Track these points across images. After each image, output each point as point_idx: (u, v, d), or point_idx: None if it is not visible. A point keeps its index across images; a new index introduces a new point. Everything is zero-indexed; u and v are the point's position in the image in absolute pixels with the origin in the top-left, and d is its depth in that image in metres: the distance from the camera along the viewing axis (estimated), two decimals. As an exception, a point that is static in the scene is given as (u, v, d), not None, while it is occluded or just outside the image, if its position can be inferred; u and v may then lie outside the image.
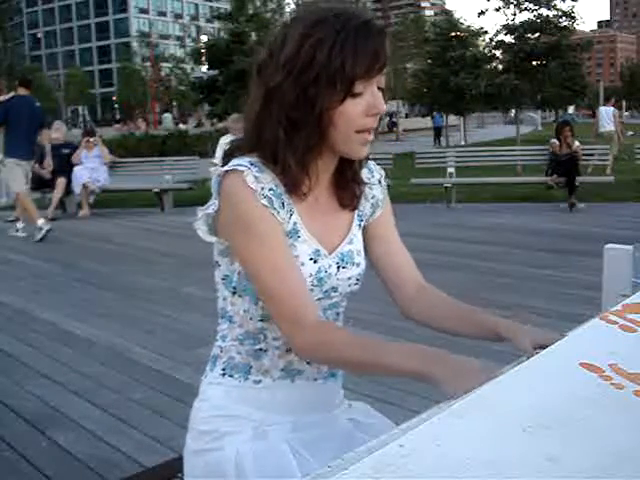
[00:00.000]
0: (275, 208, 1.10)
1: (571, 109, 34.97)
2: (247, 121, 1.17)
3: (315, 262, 1.16)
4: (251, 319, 1.18)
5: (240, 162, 1.11)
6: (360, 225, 1.28)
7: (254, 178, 1.09)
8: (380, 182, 1.32)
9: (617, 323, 1.02)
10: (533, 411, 0.74)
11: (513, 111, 21.83)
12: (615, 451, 0.66)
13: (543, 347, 1.05)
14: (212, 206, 1.13)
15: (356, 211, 1.26)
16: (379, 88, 1.12)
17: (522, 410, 0.75)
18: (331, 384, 1.27)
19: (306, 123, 1.09)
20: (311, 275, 1.15)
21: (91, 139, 10.06)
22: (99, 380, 3.45)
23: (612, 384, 0.81)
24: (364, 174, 1.27)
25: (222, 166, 1.14)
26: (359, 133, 1.11)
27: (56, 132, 10.28)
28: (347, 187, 1.23)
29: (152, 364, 3.65)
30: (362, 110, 1.10)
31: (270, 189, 1.10)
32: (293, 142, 1.11)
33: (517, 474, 0.62)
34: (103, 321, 4.49)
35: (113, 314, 4.67)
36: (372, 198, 1.29)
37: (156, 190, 10.03)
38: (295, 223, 1.15)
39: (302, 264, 1.14)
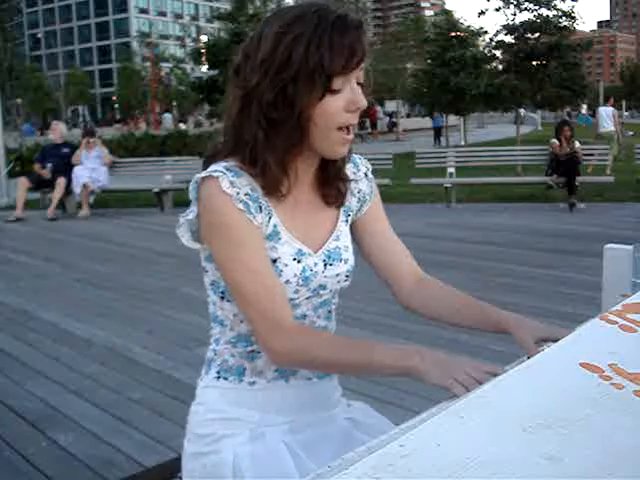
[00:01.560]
0: (252, 212, 1.10)
1: (584, 109, 34.69)
2: (225, 124, 1.16)
3: (299, 262, 1.15)
4: (242, 322, 1.18)
5: (216, 168, 1.10)
6: (347, 221, 1.26)
7: (229, 183, 1.08)
8: (366, 175, 1.30)
9: (617, 323, 1.02)
10: (533, 411, 0.74)
11: (522, 110, 21.73)
12: (615, 451, 0.66)
13: (545, 341, 1.06)
14: (192, 212, 1.13)
15: (342, 207, 1.25)
16: (358, 83, 1.11)
17: (522, 410, 0.75)
18: (326, 383, 1.27)
19: (286, 122, 1.08)
20: (296, 275, 1.15)
21: (91, 139, 10.05)
22: (99, 380, 3.45)
23: (612, 384, 0.80)
24: (349, 169, 1.26)
25: (202, 170, 1.13)
26: (339, 130, 1.11)
27: (53, 132, 10.27)
28: (331, 184, 1.22)
29: (152, 364, 3.65)
30: (342, 106, 1.09)
31: (246, 193, 1.10)
32: (273, 142, 1.10)
33: (517, 474, 0.62)
34: (103, 321, 4.49)
35: (113, 314, 4.67)
36: (358, 192, 1.28)
37: (156, 190, 10.03)
38: (275, 225, 1.14)
39: (285, 265, 1.14)
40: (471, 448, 0.66)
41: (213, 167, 1.11)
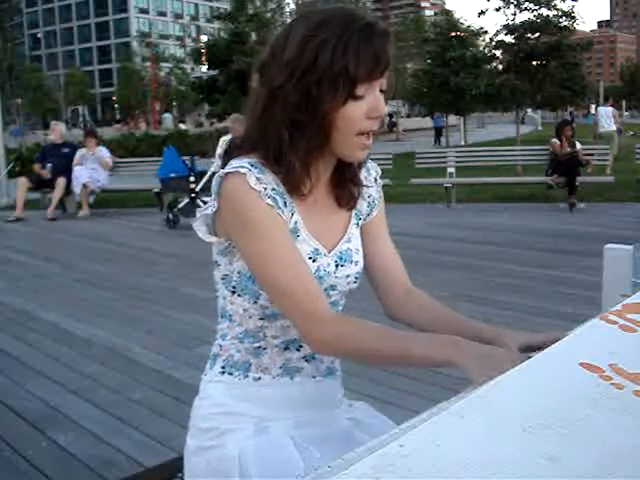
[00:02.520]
0: (280, 207, 1.11)
1: (593, 109, 34.54)
2: (249, 121, 1.17)
3: (314, 261, 1.17)
4: (250, 318, 1.19)
5: (240, 164, 1.10)
6: (358, 224, 1.28)
7: (256, 179, 1.09)
8: (376, 180, 1.32)
9: (617, 323, 1.02)
10: (533, 411, 0.74)
11: (529, 110, 21.65)
12: (615, 451, 0.66)
13: (529, 348, 1.06)
14: (211, 207, 1.13)
15: (354, 210, 1.27)
16: (381, 90, 1.12)
17: (522, 410, 0.75)
18: (330, 382, 1.28)
19: (309, 125, 1.09)
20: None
21: (93, 141, 10.03)
22: (99, 380, 3.45)
23: (612, 384, 0.80)
24: (362, 173, 1.27)
25: (222, 166, 1.14)
26: (359, 136, 1.12)
27: (52, 133, 10.27)
28: (345, 187, 1.23)
29: (152, 364, 3.65)
30: (363, 113, 1.10)
31: (273, 189, 1.11)
32: (297, 143, 1.11)
33: (517, 474, 0.62)
34: (103, 321, 4.50)
35: (113, 314, 4.67)
36: (369, 197, 1.30)
37: (156, 190, 10.03)
38: (296, 222, 1.16)
39: None
40: (471, 448, 0.66)
41: (237, 163, 1.11)
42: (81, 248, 7.50)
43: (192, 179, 8.32)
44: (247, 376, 1.21)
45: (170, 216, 8.43)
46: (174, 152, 8.83)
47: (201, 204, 8.15)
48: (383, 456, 0.66)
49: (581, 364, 0.86)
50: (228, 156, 1.16)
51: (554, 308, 4.32)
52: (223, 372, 1.22)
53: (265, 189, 1.09)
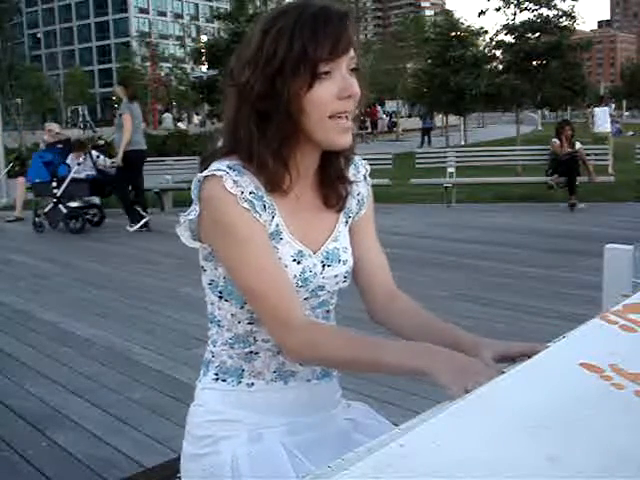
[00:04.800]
0: (257, 211, 1.09)
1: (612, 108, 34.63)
2: (224, 124, 1.17)
3: (299, 263, 1.15)
4: (239, 323, 1.18)
5: (219, 166, 1.09)
6: (347, 222, 1.26)
7: (233, 182, 1.08)
8: (365, 178, 1.29)
9: (617, 323, 1.01)
10: (533, 411, 0.74)
11: (540, 111, 21.45)
12: (615, 451, 0.66)
13: (505, 358, 1.04)
14: (193, 212, 1.12)
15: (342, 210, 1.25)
16: (353, 70, 1.10)
17: (522, 410, 0.75)
18: (326, 384, 1.27)
19: (275, 114, 1.08)
20: (295, 276, 1.14)
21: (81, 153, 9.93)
22: (99, 380, 3.45)
23: (612, 384, 0.80)
24: (350, 170, 1.25)
25: (202, 170, 1.12)
26: (333, 119, 1.09)
27: (47, 134, 10.24)
28: (333, 186, 1.21)
29: (152, 364, 3.65)
30: (333, 94, 1.07)
31: (250, 192, 1.09)
32: (266, 134, 1.09)
33: (517, 474, 0.62)
34: (103, 321, 4.50)
35: (113, 314, 4.67)
36: (358, 195, 1.27)
37: (156, 190, 10.03)
38: (277, 225, 1.14)
39: (285, 266, 1.13)
40: (471, 448, 0.66)
41: (215, 165, 1.10)
42: (81, 248, 7.50)
43: (54, 184, 8.50)
44: (240, 382, 1.20)
45: (36, 220, 8.68)
46: (37, 157, 9.00)
47: (63, 209, 8.34)
48: (383, 456, 0.66)
49: (581, 364, 0.86)
50: (208, 160, 1.14)
51: (554, 308, 4.32)
52: (217, 379, 1.21)
53: (242, 192, 1.08)
